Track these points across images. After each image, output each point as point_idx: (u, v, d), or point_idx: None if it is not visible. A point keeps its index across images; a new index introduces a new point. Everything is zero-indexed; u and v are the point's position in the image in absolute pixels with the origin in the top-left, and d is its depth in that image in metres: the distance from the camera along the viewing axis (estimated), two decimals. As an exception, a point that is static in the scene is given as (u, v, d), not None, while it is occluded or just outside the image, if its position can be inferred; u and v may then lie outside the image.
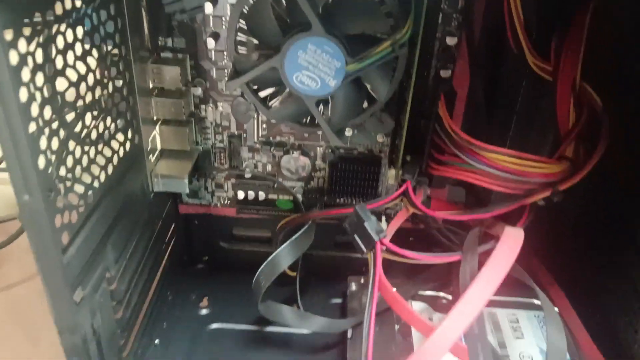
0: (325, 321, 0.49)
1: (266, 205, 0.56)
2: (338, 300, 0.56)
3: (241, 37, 0.45)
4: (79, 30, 0.34)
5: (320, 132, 0.52)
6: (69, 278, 0.32)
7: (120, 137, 0.41)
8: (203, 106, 0.51)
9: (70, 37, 0.32)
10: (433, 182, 0.50)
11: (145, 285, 0.47)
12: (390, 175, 0.52)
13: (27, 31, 0.28)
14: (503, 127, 0.44)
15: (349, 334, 0.49)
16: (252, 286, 0.45)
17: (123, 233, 0.41)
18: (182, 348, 0.50)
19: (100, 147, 0.37)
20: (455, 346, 0.36)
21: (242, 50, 0.46)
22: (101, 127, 0.37)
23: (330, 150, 0.53)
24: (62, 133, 0.31)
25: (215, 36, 0.47)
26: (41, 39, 0.29)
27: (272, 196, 0.56)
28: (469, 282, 0.36)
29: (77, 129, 0.34)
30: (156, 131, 0.48)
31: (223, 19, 0.46)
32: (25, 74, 0.27)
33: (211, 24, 0.47)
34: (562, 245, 0.55)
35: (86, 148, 0.35)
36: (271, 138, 0.53)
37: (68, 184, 0.32)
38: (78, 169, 0.34)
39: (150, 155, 0.47)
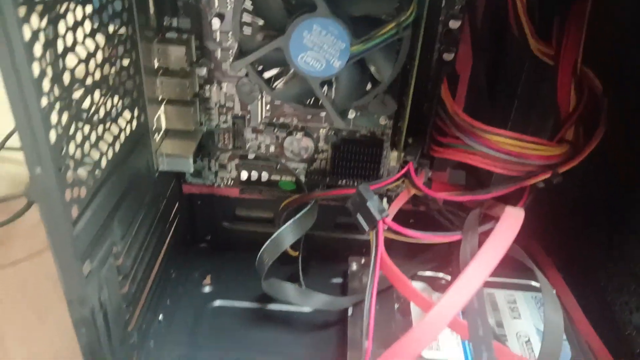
0: (327, 299, 0.50)
1: (269, 186, 0.57)
2: (339, 280, 0.57)
3: (246, 17, 0.46)
4: (88, 8, 0.34)
5: (323, 114, 0.53)
6: (78, 251, 0.33)
7: (127, 115, 0.41)
8: (207, 87, 0.52)
9: (79, 14, 0.33)
10: (434, 164, 0.51)
11: (149, 262, 0.48)
12: (392, 158, 0.53)
13: (39, 7, 0.28)
14: (504, 110, 0.45)
15: (350, 312, 0.50)
16: (255, 264, 0.46)
17: (129, 210, 0.42)
18: (185, 324, 0.51)
19: (107, 124, 0.38)
20: (454, 322, 0.37)
21: (247, 31, 0.46)
22: (109, 104, 0.38)
23: (333, 132, 0.54)
24: (72, 109, 0.32)
25: (221, 17, 0.47)
26: (52, 16, 0.29)
27: (274, 177, 0.57)
28: (470, 260, 0.37)
29: (86, 105, 0.34)
30: (161, 111, 0.48)
31: (228, -1, 0.47)
32: (38, 50, 0.28)
33: (216, 5, 0.47)
34: (560, 227, 0.55)
35: (94, 125, 0.36)
36: (275, 119, 0.53)
37: (77, 159, 0.33)
38: (87, 145, 0.34)
39: (156, 135, 0.47)
